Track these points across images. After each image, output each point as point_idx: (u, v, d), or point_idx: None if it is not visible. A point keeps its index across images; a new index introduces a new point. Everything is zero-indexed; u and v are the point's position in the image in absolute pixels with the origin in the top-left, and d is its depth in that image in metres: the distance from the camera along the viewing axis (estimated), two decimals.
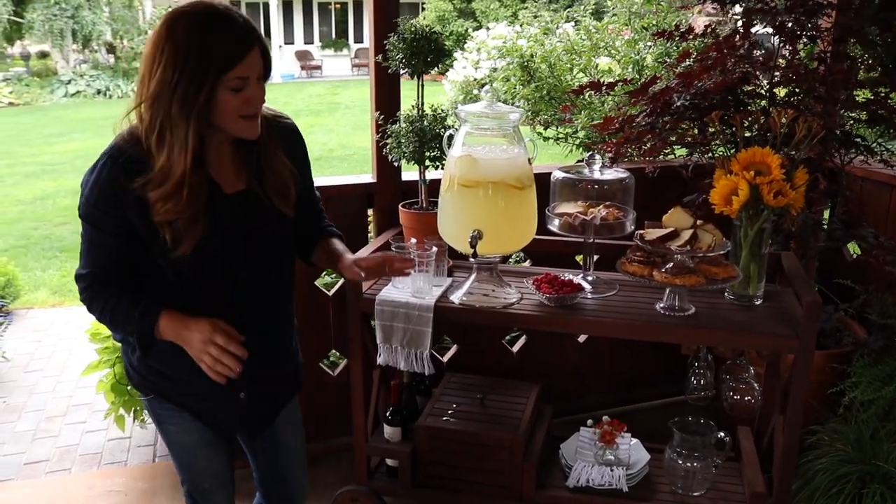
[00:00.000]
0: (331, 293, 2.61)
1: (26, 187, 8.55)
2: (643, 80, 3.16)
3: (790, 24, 2.34)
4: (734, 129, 2.19)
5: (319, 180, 1.78)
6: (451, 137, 1.99)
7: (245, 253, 1.53)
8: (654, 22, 4.39)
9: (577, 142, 4.20)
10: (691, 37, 2.57)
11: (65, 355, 3.89)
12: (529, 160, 1.95)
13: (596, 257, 2.20)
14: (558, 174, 2.16)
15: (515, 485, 2.16)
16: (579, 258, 2.29)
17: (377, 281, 2.17)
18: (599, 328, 1.98)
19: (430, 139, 2.16)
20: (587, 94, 3.80)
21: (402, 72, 2.24)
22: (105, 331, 2.76)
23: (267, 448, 1.78)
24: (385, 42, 2.19)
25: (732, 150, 2.25)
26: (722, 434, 2.13)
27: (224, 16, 1.36)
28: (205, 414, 1.61)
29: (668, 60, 3.31)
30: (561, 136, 4.31)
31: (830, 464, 2.18)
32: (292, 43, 24.19)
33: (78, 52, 19.35)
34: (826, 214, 2.75)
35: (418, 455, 2.24)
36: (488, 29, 8.42)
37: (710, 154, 2.47)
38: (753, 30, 2.39)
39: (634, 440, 2.27)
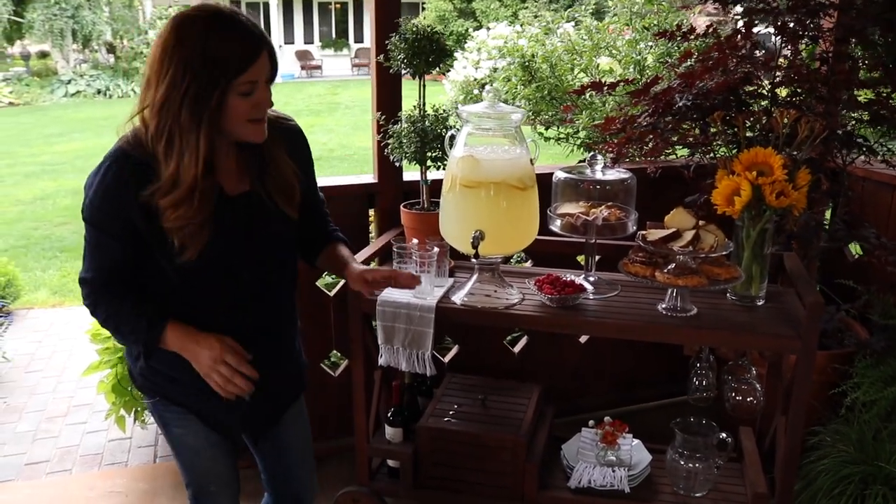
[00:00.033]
0: (332, 294, 2.61)
1: (26, 187, 8.55)
2: (645, 80, 3.15)
3: (792, 25, 2.34)
4: (736, 129, 2.19)
5: (320, 180, 1.78)
6: (452, 138, 1.99)
7: (248, 254, 1.52)
8: (655, 22, 4.38)
9: (579, 142, 4.18)
10: (693, 37, 2.58)
11: (65, 356, 3.88)
12: (531, 160, 1.94)
13: (598, 258, 2.19)
14: (560, 174, 2.15)
15: (517, 486, 2.16)
16: (581, 259, 2.28)
17: None
18: (601, 329, 1.98)
19: (431, 139, 2.15)
20: (588, 95, 3.80)
21: (403, 72, 2.23)
22: (105, 331, 2.76)
23: (273, 449, 1.77)
24: (386, 42, 2.19)
25: (734, 151, 2.24)
26: (724, 435, 2.13)
27: (233, 20, 1.35)
28: (208, 415, 1.61)
29: (670, 60, 3.31)
30: (562, 136, 4.31)
31: (833, 465, 2.18)
32: (292, 43, 24.19)
33: (78, 51, 19.35)
34: (828, 215, 2.75)
35: (420, 456, 2.24)
36: (489, 29, 8.42)
37: (712, 154, 2.47)
38: (755, 30, 2.39)
39: (636, 441, 2.27)
